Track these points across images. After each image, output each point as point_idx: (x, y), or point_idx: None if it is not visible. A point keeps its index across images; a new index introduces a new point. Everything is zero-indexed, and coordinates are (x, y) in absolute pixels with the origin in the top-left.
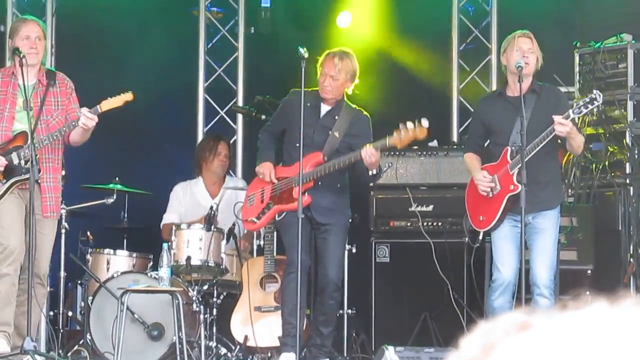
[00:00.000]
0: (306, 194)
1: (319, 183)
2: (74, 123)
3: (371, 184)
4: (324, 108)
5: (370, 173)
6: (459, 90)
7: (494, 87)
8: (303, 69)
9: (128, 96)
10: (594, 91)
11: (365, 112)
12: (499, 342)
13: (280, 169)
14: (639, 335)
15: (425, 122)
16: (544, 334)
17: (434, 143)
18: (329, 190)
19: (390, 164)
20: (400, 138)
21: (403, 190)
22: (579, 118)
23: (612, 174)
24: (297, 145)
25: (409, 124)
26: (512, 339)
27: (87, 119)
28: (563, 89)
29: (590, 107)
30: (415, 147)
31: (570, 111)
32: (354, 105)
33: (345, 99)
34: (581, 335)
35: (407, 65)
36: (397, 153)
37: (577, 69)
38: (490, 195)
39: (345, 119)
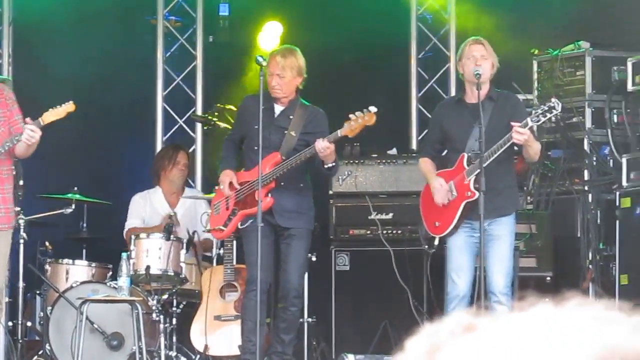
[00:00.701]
0: (268, 195)
1: (281, 184)
2: (17, 137)
3: (330, 192)
4: (278, 108)
5: (326, 166)
6: (418, 99)
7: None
8: (261, 79)
9: (70, 107)
10: (552, 100)
11: (321, 110)
12: (444, 344)
13: (241, 174)
14: (582, 335)
15: (373, 108)
16: (488, 336)
17: (393, 151)
18: (291, 190)
19: (349, 172)
20: (351, 127)
21: (362, 199)
22: (537, 126)
23: (571, 181)
24: (256, 148)
25: (358, 113)
26: (458, 340)
27: (31, 132)
28: (521, 97)
29: (548, 115)
30: (374, 155)
31: (529, 119)
32: (308, 104)
33: (299, 97)
34: (525, 336)
35: (364, 73)
36: (357, 161)
37: (535, 76)
38: (446, 202)
39: (300, 117)
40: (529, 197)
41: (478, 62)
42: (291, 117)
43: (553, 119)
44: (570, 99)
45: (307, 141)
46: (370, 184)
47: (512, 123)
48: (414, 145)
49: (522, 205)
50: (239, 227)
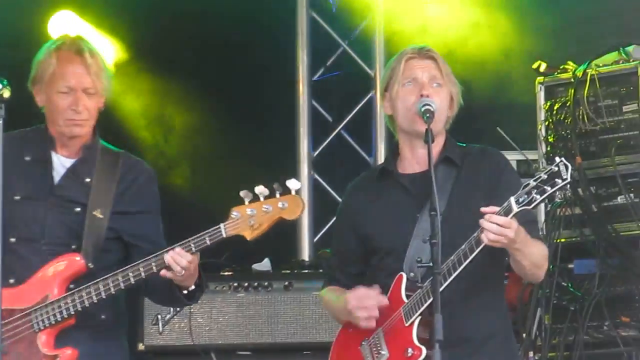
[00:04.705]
0: (61, 347)
1: (82, 321)
2: None
3: (141, 347)
4: (62, 163)
5: (183, 291)
6: (312, 161)
7: (382, 155)
8: (1, 120)
9: None
10: (557, 160)
11: (142, 162)
12: None
13: None
14: None
15: (294, 184)
16: None
17: (265, 264)
18: (86, 333)
19: (177, 308)
20: (248, 223)
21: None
22: (531, 209)
23: (614, 322)
24: (13, 240)
25: (261, 190)
26: None
27: None
28: (514, 156)
29: (549, 190)
30: (226, 274)
31: (512, 200)
32: (116, 149)
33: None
34: None
35: (218, 103)
36: (193, 288)
37: (541, 115)
38: (373, 324)
39: (107, 177)
40: (531, 354)
41: (425, 90)
42: (88, 180)
43: (559, 194)
44: (609, 158)
45: (123, 230)
46: (220, 331)
47: (483, 210)
48: (305, 254)
49: None
50: None
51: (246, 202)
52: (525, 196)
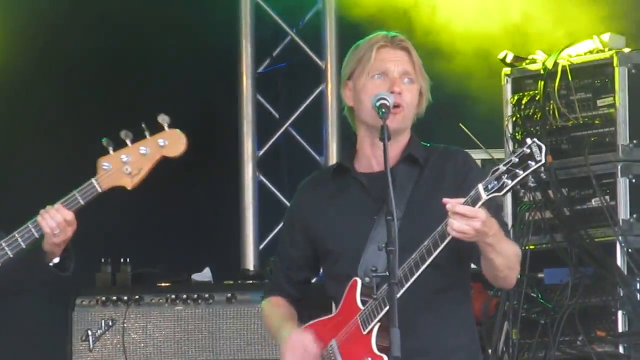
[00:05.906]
0: None
1: None
2: None
3: None
4: None
5: (52, 262)
6: (257, 161)
7: (334, 154)
8: None
9: None
10: (528, 141)
11: None
12: None
13: None
14: None
15: (166, 118)
16: None
17: (205, 274)
18: None
19: (110, 322)
20: (125, 170)
21: None
22: (500, 199)
23: (588, 337)
24: None
25: (126, 134)
26: None
27: None
28: (479, 155)
29: (522, 173)
30: (163, 285)
31: (480, 187)
32: None
33: None
34: None
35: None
36: (127, 298)
37: (508, 110)
38: None
39: None
40: None
41: (397, 87)
42: None
43: (531, 181)
44: (583, 157)
45: None
46: (156, 347)
47: (445, 200)
48: (250, 263)
49: None
50: None
51: (111, 151)
52: (495, 182)
